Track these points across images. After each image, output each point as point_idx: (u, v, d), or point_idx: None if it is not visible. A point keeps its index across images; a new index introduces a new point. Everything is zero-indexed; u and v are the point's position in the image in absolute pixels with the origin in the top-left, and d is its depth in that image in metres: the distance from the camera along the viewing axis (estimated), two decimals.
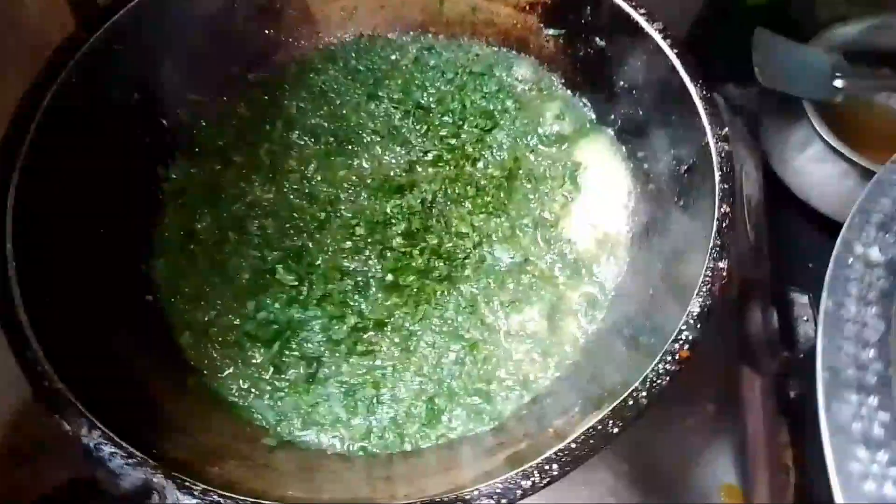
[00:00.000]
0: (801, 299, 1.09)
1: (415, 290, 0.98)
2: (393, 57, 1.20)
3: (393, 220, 1.03)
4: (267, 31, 1.17)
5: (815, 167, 1.15)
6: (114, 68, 0.97)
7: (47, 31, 0.96)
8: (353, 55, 1.20)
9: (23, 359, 0.74)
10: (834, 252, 0.70)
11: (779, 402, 1.05)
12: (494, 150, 1.11)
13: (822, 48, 1.18)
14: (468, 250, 1.01)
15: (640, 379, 0.75)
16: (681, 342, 0.76)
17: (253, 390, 0.92)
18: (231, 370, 0.93)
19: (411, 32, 1.23)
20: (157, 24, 1.01)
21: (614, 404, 0.74)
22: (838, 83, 1.14)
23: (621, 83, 1.06)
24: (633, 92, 1.04)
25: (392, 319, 0.96)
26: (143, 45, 1.00)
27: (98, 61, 0.94)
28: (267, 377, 0.93)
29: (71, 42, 0.93)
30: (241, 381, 0.92)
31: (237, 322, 0.96)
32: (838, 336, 0.66)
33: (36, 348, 0.75)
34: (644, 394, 0.74)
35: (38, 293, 0.78)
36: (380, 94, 1.15)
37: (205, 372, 0.93)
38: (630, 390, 0.74)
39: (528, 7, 1.15)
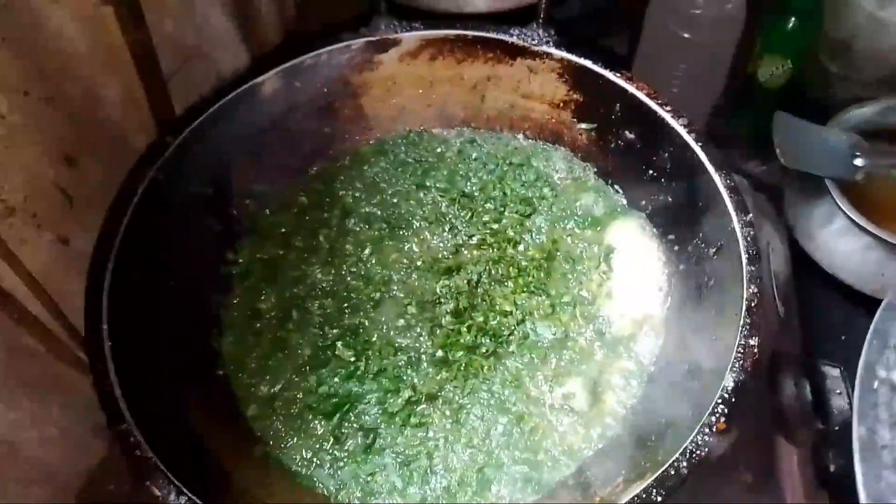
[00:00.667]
0: (833, 372, 1.10)
1: (463, 364, 1.03)
2: (438, 150, 1.29)
3: (442, 300, 1.10)
4: (325, 129, 1.27)
5: (840, 241, 1.19)
6: (192, 167, 1.07)
7: (128, 128, 1.07)
8: (403, 148, 1.30)
9: (118, 431, 0.82)
10: (857, 377, 0.71)
11: (816, 473, 1.07)
12: (534, 234, 1.18)
13: (840, 128, 1.23)
14: (512, 327, 1.06)
15: (681, 450, 0.79)
16: (717, 415, 0.81)
17: (315, 460, 0.98)
18: (294, 441, 0.99)
19: (455, 128, 1.33)
20: (229, 126, 1.11)
21: (657, 474, 0.78)
22: (858, 162, 1.18)
23: (650, 172, 1.14)
24: (662, 180, 1.11)
25: (443, 393, 1.01)
26: (217, 146, 1.11)
27: (179, 161, 1.05)
28: (328, 447, 0.98)
29: (157, 147, 1.05)
30: (303, 451, 0.98)
31: (300, 395, 1.02)
32: (877, 464, 0.65)
33: (129, 421, 0.82)
34: (684, 464, 0.78)
35: (128, 370, 0.87)
36: (427, 183, 1.24)
37: (270, 442, 0.99)
38: (672, 460, 0.78)
39: (561, 104, 1.24)
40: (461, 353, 1.04)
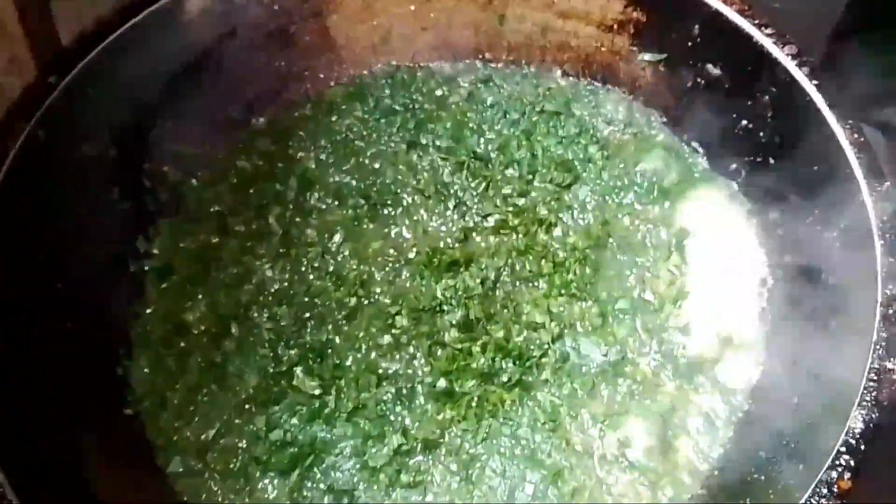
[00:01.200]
0: None
1: (475, 399, 1.03)
2: (439, 93, 1.29)
3: (444, 307, 1.10)
4: (276, 64, 1.27)
5: None
6: (85, 119, 1.06)
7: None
8: (387, 92, 1.29)
9: None
10: None
11: None
12: (576, 213, 1.18)
13: None
14: (545, 346, 1.07)
15: None
16: (840, 469, 0.81)
17: None
18: None
19: (463, 61, 1.33)
20: (139, 60, 1.11)
21: None
22: None
23: (743, 123, 1.13)
24: (760, 134, 1.11)
25: (446, 439, 1.02)
26: (121, 89, 1.11)
27: (67, 112, 1.04)
28: None
29: (35, 91, 1.04)
30: None
31: (242, 444, 1.02)
32: None
33: (1, 479, 0.82)
34: None
35: None
36: (423, 141, 1.23)
37: None
38: None
39: (616, 26, 1.24)
40: (472, 382, 1.04)
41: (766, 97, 1.08)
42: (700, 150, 1.21)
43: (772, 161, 1.10)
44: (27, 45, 1.09)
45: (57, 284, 1.02)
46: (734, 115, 1.13)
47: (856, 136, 0.98)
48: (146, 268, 1.15)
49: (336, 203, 1.19)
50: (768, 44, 1.06)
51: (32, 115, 1.01)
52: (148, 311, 1.12)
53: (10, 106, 1.02)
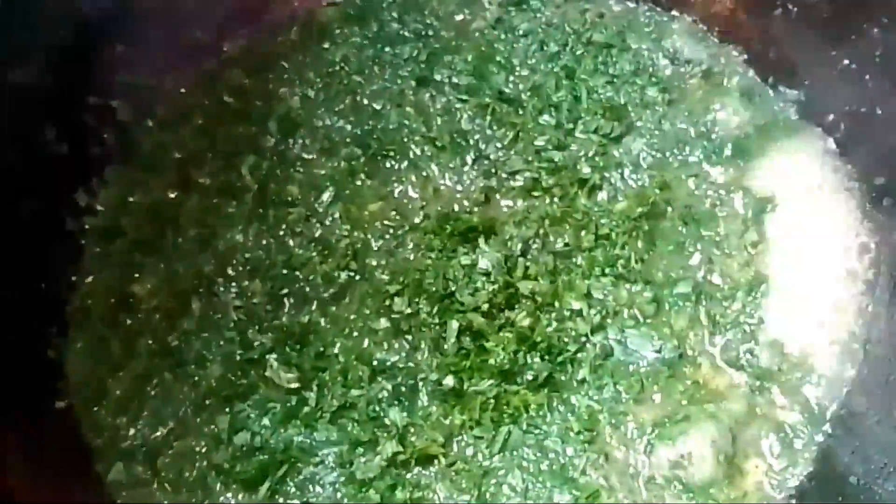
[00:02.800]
0: None
1: (491, 401, 0.93)
2: (459, 17, 1.19)
3: (457, 287, 0.99)
4: None
5: None
6: (15, 37, 0.95)
7: None
8: (394, 14, 1.19)
9: None
10: None
11: None
12: (627, 172, 1.08)
13: None
14: (582, 338, 0.97)
15: None
16: None
17: None
18: None
19: None
20: None
21: None
22: None
23: (845, 62, 1.02)
24: (867, 77, 0.99)
25: (454, 449, 0.92)
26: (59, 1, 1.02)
27: None
28: None
29: None
30: None
31: (201, 448, 0.93)
32: None
33: None
34: None
35: None
36: (436, 77, 1.14)
37: None
38: None
39: None
40: (489, 380, 0.93)
41: (875, 29, 0.95)
42: (789, 96, 1.09)
43: (879, 112, 0.98)
44: None
45: None
46: (833, 53, 1.01)
47: None
48: (87, 227, 1.05)
49: (325, 153, 1.09)
50: None
51: None
52: (87, 280, 1.03)
53: None
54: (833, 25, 1.01)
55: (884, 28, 0.96)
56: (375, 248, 1.03)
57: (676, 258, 1.02)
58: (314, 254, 1.03)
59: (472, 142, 1.09)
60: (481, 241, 1.02)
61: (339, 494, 0.91)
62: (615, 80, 1.13)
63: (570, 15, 1.17)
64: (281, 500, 0.90)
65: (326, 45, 1.15)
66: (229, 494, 0.91)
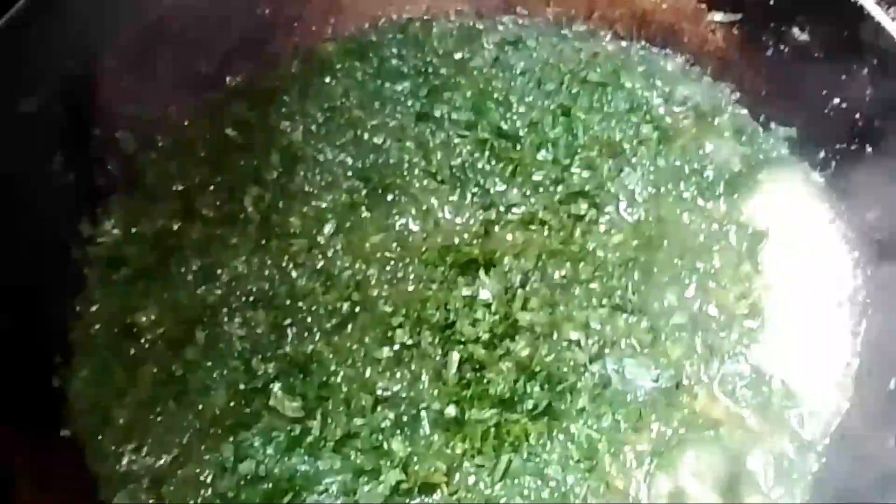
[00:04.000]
0: None
1: (492, 430, 0.93)
2: (458, 55, 1.20)
3: (457, 318, 0.99)
4: (257, 11, 1.17)
5: None
6: (24, 69, 0.96)
7: None
8: (395, 51, 1.20)
9: None
10: None
11: None
12: (623, 206, 1.08)
13: None
14: (581, 368, 0.97)
15: None
16: None
17: None
18: None
19: (492, 18, 1.22)
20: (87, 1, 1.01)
21: None
22: None
23: (835, 101, 1.04)
24: (857, 115, 1.01)
25: (456, 478, 0.91)
26: (65, 35, 0.99)
27: (2, 60, 0.92)
28: None
29: None
30: None
31: (205, 476, 0.92)
32: None
33: None
34: None
35: None
36: (436, 113, 1.15)
37: None
38: None
39: None
40: (490, 410, 0.93)
41: (865, 70, 0.97)
42: (781, 133, 1.10)
43: (869, 149, 0.99)
44: None
45: None
46: (824, 92, 1.03)
47: None
48: (91, 256, 1.05)
49: (327, 186, 1.09)
50: (869, 3, 0.95)
51: None
52: (92, 309, 1.02)
53: None
54: (824, 66, 1.02)
55: (874, 69, 0.96)
56: (377, 280, 1.03)
57: (672, 289, 1.02)
58: (317, 284, 1.03)
59: (471, 176, 1.10)
60: (481, 272, 1.03)
61: None
62: (610, 117, 1.13)
63: (566, 54, 1.18)
64: None
65: (328, 80, 1.16)
66: None
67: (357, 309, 1.02)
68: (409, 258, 1.05)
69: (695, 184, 1.08)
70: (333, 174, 1.11)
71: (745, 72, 1.10)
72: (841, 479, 0.91)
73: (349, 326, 1.01)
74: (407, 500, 0.92)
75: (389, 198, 1.09)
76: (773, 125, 1.10)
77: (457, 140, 1.12)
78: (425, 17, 1.21)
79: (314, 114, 1.15)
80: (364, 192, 1.09)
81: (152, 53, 1.08)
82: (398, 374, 0.98)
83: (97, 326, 1.02)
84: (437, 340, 0.99)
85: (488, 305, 1.01)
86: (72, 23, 1.00)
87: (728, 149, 1.09)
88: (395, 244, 1.06)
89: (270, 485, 0.91)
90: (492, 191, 1.09)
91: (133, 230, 1.08)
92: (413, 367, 0.98)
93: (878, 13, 0.95)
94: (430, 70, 1.18)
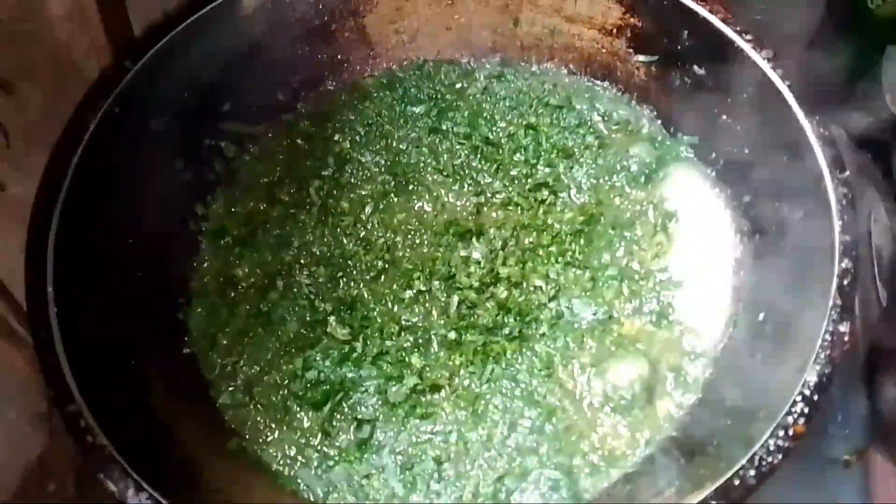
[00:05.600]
0: None
1: (480, 347, 1.06)
2: (459, 85, 1.32)
3: (457, 270, 1.13)
4: (319, 56, 1.30)
5: None
6: (154, 99, 1.10)
7: (76, 50, 1.08)
8: (415, 83, 1.32)
9: (66, 413, 0.85)
10: None
11: None
12: (573, 193, 1.21)
13: None
14: (543, 305, 1.09)
15: (748, 455, 0.81)
16: (795, 415, 0.83)
17: (299, 458, 1.02)
18: (275, 434, 1.03)
19: (481, 58, 1.36)
20: (200, 49, 1.14)
21: (717, 484, 0.80)
22: None
23: (723, 118, 1.15)
24: (738, 127, 1.13)
25: (456, 380, 1.05)
26: (185, 74, 1.14)
27: (139, 91, 1.07)
28: (315, 443, 1.02)
29: (112, 73, 1.07)
30: (286, 447, 1.02)
31: (283, 381, 1.05)
32: None
33: (79, 401, 0.86)
34: (752, 472, 0.81)
35: (77, 341, 0.91)
36: (443, 127, 1.26)
37: (246, 435, 1.03)
38: (736, 468, 0.81)
39: (615, 30, 1.25)
40: (479, 335, 1.07)
41: (744, 95, 1.09)
42: (686, 140, 1.23)
43: (746, 151, 1.12)
44: (104, 32, 1.10)
45: (129, 240, 1.06)
46: (715, 111, 1.15)
47: (822, 130, 1.00)
48: (203, 229, 1.19)
49: (367, 179, 1.22)
50: (747, 48, 1.08)
51: (110, 94, 1.05)
52: (204, 265, 1.16)
53: (90, 85, 1.05)
54: (715, 92, 1.12)
55: (750, 94, 1.08)
56: (402, 245, 1.14)
57: (607, 251, 1.12)
58: (360, 249, 1.13)
59: (467, 172, 1.20)
60: (474, 240, 1.13)
61: (377, 412, 1.02)
62: (565, 130, 1.23)
63: (534, 85, 1.28)
64: (338, 416, 1.02)
65: (367, 104, 1.26)
66: (302, 413, 1.03)
67: (388, 266, 1.13)
68: (424, 230, 1.16)
69: (624, 176, 1.18)
70: (371, 171, 1.21)
71: (661, 97, 1.19)
72: (724, 383, 1.02)
73: (382, 277, 1.12)
74: (421, 397, 1.03)
75: (410, 188, 1.19)
76: (679, 134, 1.19)
77: (457, 147, 1.22)
78: (435, 59, 1.32)
79: (358, 129, 1.24)
80: (392, 183, 1.19)
81: (245, 87, 1.20)
82: (416, 310, 1.09)
83: (207, 278, 1.13)
84: (443, 287, 1.10)
85: (478, 263, 1.11)
86: (188, 67, 1.12)
87: (647, 151, 1.19)
88: (414, 220, 1.17)
89: (328, 387, 1.04)
90: (482, 182, 1.19)
91: (232, 210, 1.18)
92: (426, 305, 1.10)
93: (754, 55, 1.06)
94: (439, 96, 1.27)
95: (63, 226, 0.95)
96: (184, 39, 1.10)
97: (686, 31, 1.15)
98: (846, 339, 0.87)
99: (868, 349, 1.14)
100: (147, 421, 0.94)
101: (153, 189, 1.09)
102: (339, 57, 1.31)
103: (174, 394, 1.01)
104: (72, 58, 1.06)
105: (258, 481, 0.99)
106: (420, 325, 1.08)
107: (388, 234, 1.16)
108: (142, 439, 0.89)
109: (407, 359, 1.05)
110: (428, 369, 1.05)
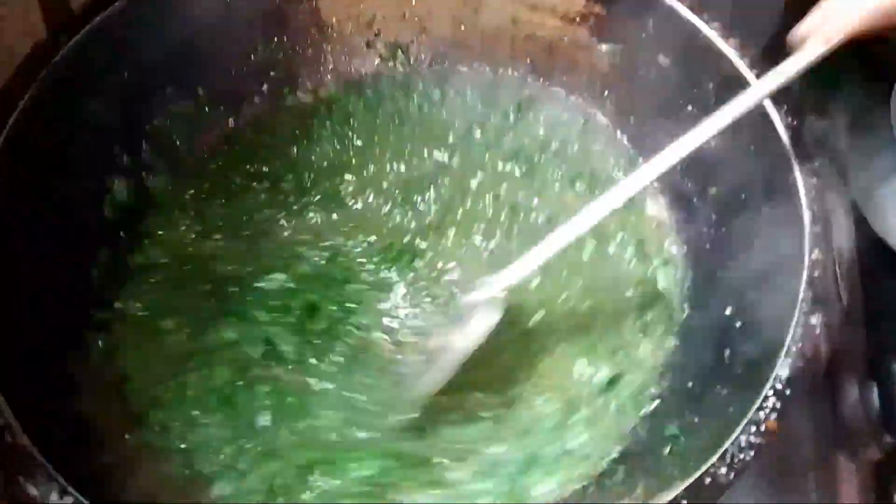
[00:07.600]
0: None
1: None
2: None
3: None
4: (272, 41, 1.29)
5: None
6: (90, 77, 1.07)
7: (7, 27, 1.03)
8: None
9: None
10: None
11: (881, 498, 1.08)
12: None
13: None
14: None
15: (719, 453, 0.79)
16: (766, 410, 0.81)
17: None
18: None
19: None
20: (141, 26, 1.12)
21: (687, 483, 0.78)
22: None
23: (689, 108, 1.14)
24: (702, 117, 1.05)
25: None
26: (123, 52, 1.11)
27: (74, 69, 1.04)
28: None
29: (43, 49, 1.02)
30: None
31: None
32: None
33: None
34: (723, 470, 0.78)
35: None
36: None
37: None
38: (707, 466, 0.78)
39: (578, 19, 1.24)
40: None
41: (710, 84, 1.09)
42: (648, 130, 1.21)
43: (713, 143, 1.04)
44: (40, 9, 1.05)
45: (54, 234, 1.02)
46: (681, 101, 1.14)
47: (790, 119, 1.00)
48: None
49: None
50: (714, 37, 1.07)
51: (41, 71, 1.01)
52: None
53: (23, 59, 1.01)
54: (682, 82, 1.14)
55: (716, 83, 1.08)
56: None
57: None
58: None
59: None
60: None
61: None
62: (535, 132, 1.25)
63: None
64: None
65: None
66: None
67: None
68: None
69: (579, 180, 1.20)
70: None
71: (625, 88, 1.21)
72: (694, 325, 1.06)
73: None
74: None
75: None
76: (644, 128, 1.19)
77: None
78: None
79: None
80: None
81: (188, 69, 1.18)
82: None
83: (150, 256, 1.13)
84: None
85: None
86: (126, 49, 1.09)
87: (602, 151, 1.24)
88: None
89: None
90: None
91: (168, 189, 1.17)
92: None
93: (721, 44, 1.06)
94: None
95: None
96: (121, 18, 1.08)
97: (652, 20, 1.14)
98: (817, 331, 0.87)
99: (829, 353, 1.11)
100: (71, 417, 0.92)
101: (84, 177, 1.07)
102: (294, 47, 1.29)
103: (98, 393, 0.98)
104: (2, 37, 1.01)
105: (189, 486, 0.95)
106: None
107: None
108: (66, 437, 0.87)
109: None
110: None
